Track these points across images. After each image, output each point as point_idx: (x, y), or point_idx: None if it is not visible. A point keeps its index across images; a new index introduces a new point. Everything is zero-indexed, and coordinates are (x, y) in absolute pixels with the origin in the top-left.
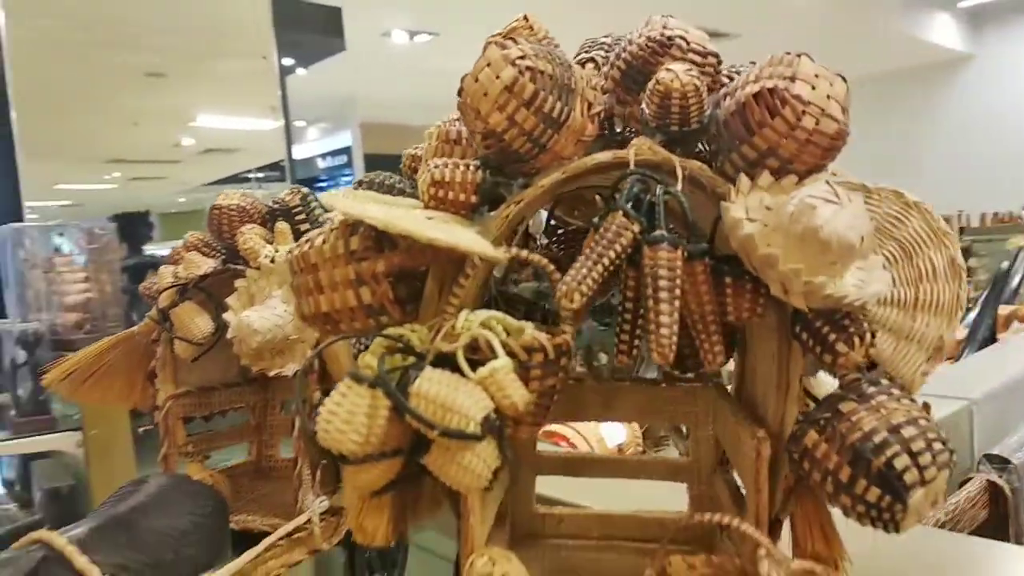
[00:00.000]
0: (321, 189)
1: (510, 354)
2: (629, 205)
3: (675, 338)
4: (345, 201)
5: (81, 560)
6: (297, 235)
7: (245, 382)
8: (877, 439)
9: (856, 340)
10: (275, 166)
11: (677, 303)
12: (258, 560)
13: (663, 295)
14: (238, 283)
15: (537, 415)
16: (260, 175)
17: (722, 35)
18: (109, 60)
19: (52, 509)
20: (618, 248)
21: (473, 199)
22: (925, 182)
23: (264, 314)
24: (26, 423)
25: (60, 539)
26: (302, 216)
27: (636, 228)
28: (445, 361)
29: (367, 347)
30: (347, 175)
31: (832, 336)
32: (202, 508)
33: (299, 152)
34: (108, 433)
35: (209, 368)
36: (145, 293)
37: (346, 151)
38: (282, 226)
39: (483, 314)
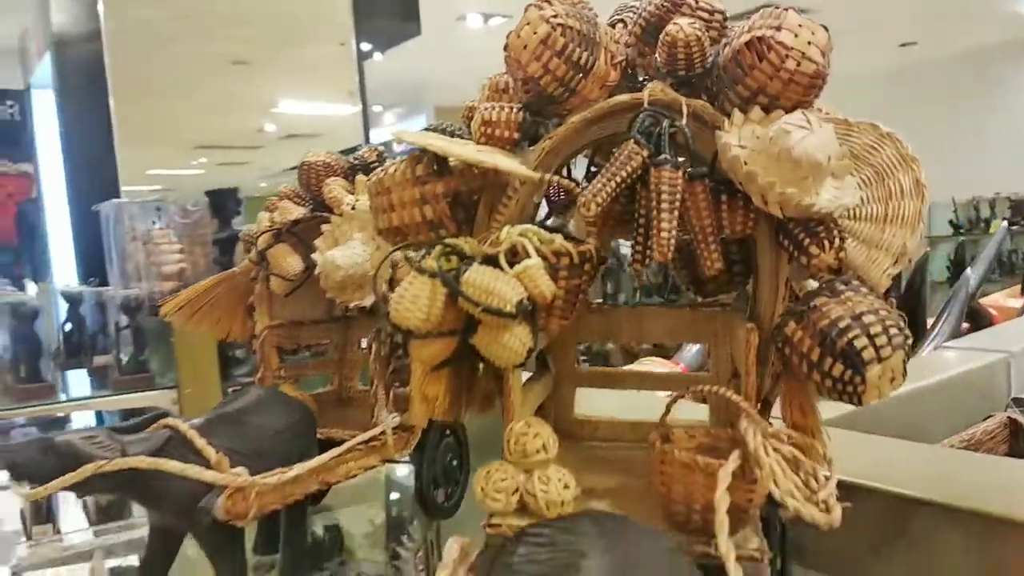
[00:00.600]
0: None
1: (542, 257)
2: (641, 136)
3: (673, 241)
4: (413, 134)
5: (201, 441)
6: None
7: (330, 320)
8: (842, 324)
9: (826, 243)
10: (353, 151)
11: (676, 213)
12: (339, 459)
13: (664, 206)
14: (324, 228)
15: (564, 310)
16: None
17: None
18: (197, 49)
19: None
20: (629, 169)
21: (515, 135)
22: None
23: (346, 252)
24: (127, 381)
25: (183, 424)
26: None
27: (645, 153)
28: (490, 263)
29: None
30: None
31: (807, 241)
32: (294, 414)
33: (376, 137)
34: (200, 391)
35: (299, 305)
36: (245, 238)
37: None
38: (362, 178)
39: (522, 227)
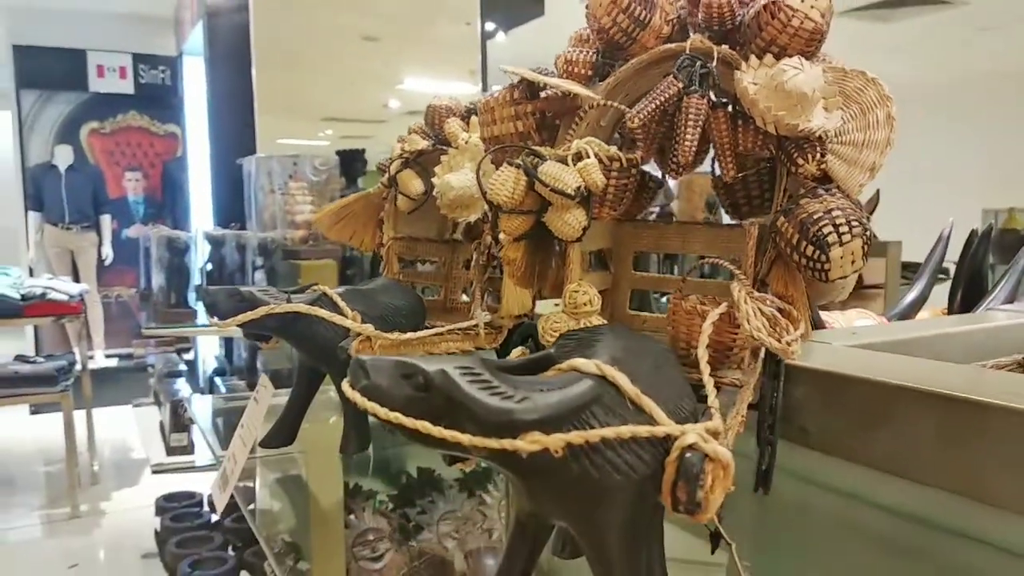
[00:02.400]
0: None
1: (599, 160)
2: (679, 73)
3: (693, 148)
4: (515, 68)
5: (342, 303)
6: None
7: (440, 241)
8: (815, 216)
9: (810, 156)
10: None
11: (699, 131)
12: (441, 337)
13: (690, 124)
14: (442, 158)
15: (614, 203)
16: None
17: (945, 3)
18: (335, 24)
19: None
20: (665, 96)
21: (589, 72)
22: None
23: (459, 177)
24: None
25: (330, 290)
26: None
27: (680, 84)
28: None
29: None
30: None
31: (795, 154)
32: (410, 298)
33: None
34: None
35: (417, 224)
36: (380, 165)
37: None
38: (475, 119)
39: (587, 138)
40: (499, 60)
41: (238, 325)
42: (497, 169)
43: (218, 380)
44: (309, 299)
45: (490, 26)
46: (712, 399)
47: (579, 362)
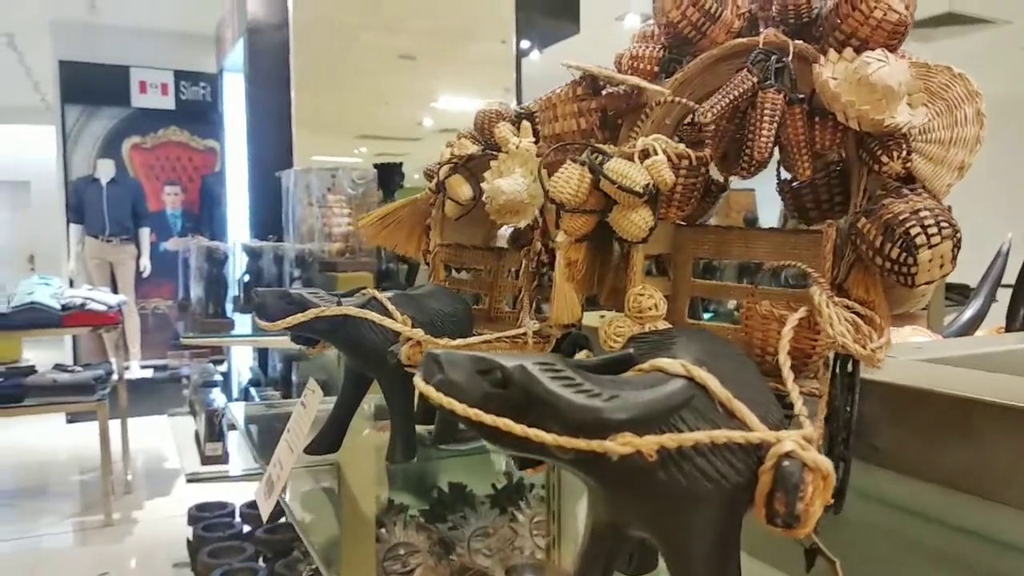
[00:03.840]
0: None
1: (667, 157)
2: (753, 67)
3: (770, 147)
4: (577, 62)
5: (392, 307)
6: (535, 133)
7: (486, 248)
8: (901, 217)
9: (895, 154)
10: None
11: (775, 127)
12: (489, 345)
13: (766, 119)
14: (492, 163)
15: (681, 203)
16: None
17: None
18: (372, 42)
19: None
20: (739, 91)
21: (655, 69)
22: None
23: (509, 182)
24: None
25: (380, 294)
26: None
27: (754, 79)
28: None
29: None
30: None
31: (879, 151)
32: (457, 305)
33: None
34: None
35: (464, 231)
36: (427, 171)
37: None
38: (526, 124)
39: (654, 135)
40: (533, 78)
41: (287, 328)
42: (558, 167)
43: (252, 391)
44: (359, 302)
45: (525, 44)
46: (799, 406)
47: (663, 362)
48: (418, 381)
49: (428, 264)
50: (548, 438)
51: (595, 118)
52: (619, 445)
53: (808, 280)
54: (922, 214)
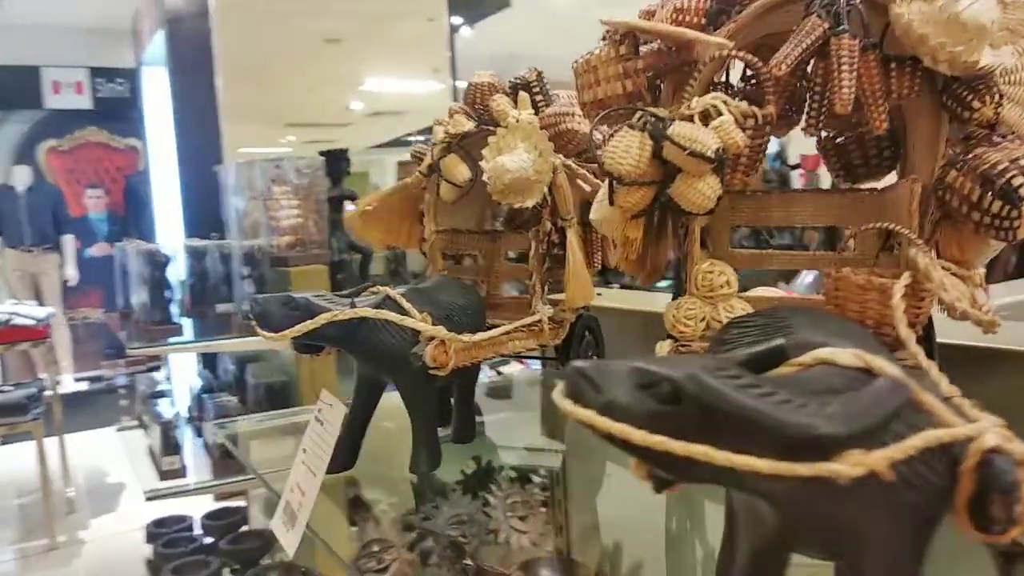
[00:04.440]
0: None
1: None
2: (823, 12)
3: (852, 95)
4: (618, 19)
5: (407, 304)
6: (534, 104)
7: (481, 233)
8: (1000, 167)
9: (987, 98)
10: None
11: (855, 74)
12: (509, 336)
13: (845, 67)
14: (490, 139)
15: (748, 166)
16: (420, 138)
17: None
18: (296, 28)
19: (267, 400)
20: (812, 38)
21: (702, 21)
22: None
23: (514, 158)
24: (249, 326)
25: (392, 291)
26: (537, 90)
27: (825, 25)
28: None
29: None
30: None
31: (970, 97)
32: (471, 296)
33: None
34: None
35: (459, 216)
36: (414, 154)
37: None
38: (524, 95)
39: (712, 94)
40: (466, 55)
41: (295, 337)
42: (557, 176)
43: (206, 398)
44: (374, 302)
45: (456, 20)
46: (946, 387)
47: (828, 353)
48: (568, 406)
49: (424, 253)
50: (762, 466)
51: (642, 79)
52: (850, 467)
53: (891, 243)
54: (1022, 162)
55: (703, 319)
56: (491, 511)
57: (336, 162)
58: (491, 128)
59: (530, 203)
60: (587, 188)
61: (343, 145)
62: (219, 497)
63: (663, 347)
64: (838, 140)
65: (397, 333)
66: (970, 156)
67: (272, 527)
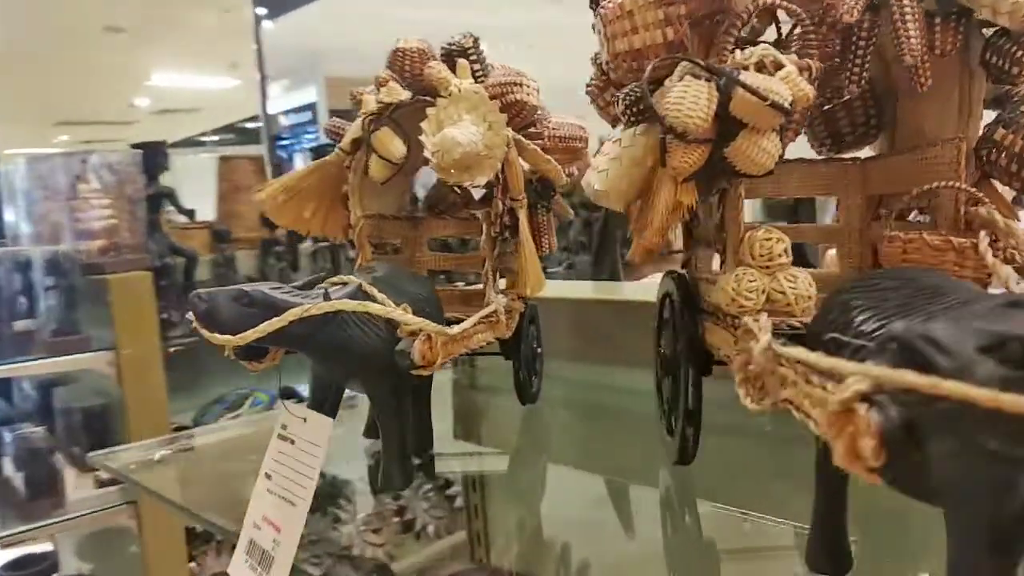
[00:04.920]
0: (283, 148)
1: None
2: None
3: (920, 45)
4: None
5: (381, 295)
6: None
7: (403, 218)
8: None
9: None
10: (230, 128)
11: (919, 23)
12: (474, 329)
13: (909, 16)
14: (428, 111)
15: (799, 123)
16: (215, 138)
17: None
18: (71, 14)
19: (84, 429)
20: None
21: None
22: None
23: (464, 131)
24: (59, 344)
25: (358, 279)
26: (474, 57)
27: None
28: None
29: None
30: (311, 133)
31: (1020, 53)
32: (428, 285)
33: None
34: (140, 352)
35: (382, 199)
36: (331, 128)
37: (311, 107)
38: (463, 62)
39: (761, 46)
40: (269, 48)
41: (258, 338)
42: (510, 152)
43: (4, 431)
44: (349, 293)
45: (262, 11)
46: None
47: None
48: (910, 376)
49: (351, 243)
50: None
51: (684, 28)
52: None
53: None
54: None
55: (763, 291)
56: (342, 527)
57: (153, 156)
58: (427, 99)
59: (481, 181)
60: (526, 166)
61: (125, 146)
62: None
63: (754, 324)
64: (825, 108)
65: (371, 329)
66: (1020, 114)
67: (232, 572)
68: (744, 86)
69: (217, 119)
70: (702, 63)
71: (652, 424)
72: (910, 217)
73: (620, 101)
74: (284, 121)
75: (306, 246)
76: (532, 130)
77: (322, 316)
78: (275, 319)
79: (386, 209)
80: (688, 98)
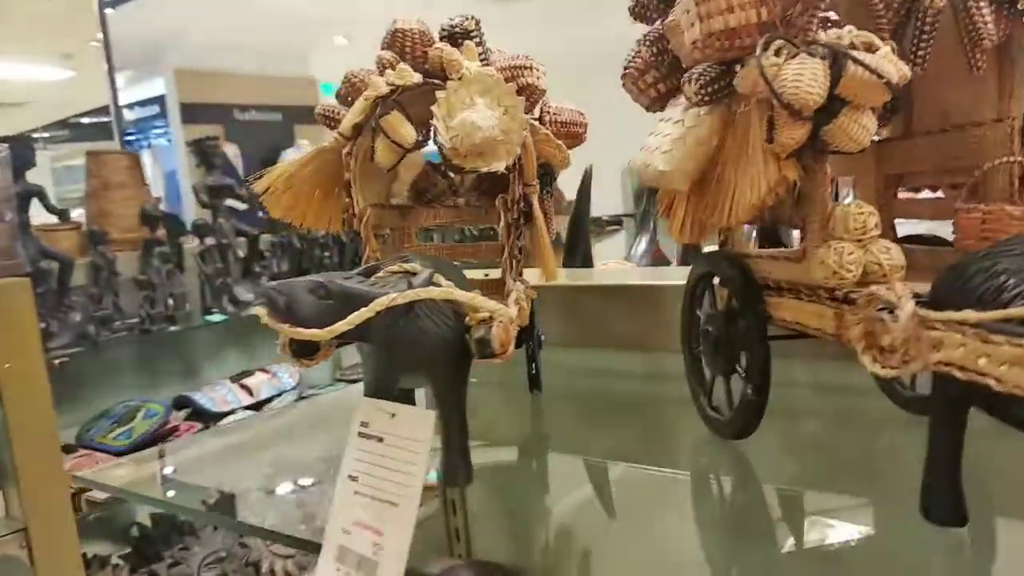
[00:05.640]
0: (130, 144)
1: None
2: None
3: (995, 30)
4: None
5: (447, 281)
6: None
7: (391, 207)
8: None
9: None
10: (63, 123)
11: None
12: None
13: (983, 3)
14: (438, 94)
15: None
16: (46, 134)
17: None
18: None
19: None
20: None
21: None
22: None
23: (483, 115)
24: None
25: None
26: (477, 40)
27: None
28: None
29: None
30: (159, 127)
31: None
32: (459, 273)
33: (99, 101)
34: (22, 365)
35: (376, 188)
36: (325, 111)
37: (159, 100)
38: (470, 44)
39: (847, 27)
40: (115, 36)
41: (338, 333)
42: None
43: None
44: (425, 281)
45: None
46: None
47: None
48: None
49: (359, 233)
50: None
51: (777, 8)
52: None
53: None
54: None
55: (861, 264)
56: (248, 540)
57: (21, 152)
58: (436, 82)
59: (497, 167)
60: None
61: None
62: None
63: (889, 293)
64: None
65: (441, 318)
66: None
67: None
68: (862, 63)
69: (49, 114)
70: (821, 41)
71: (663, 406)
72: (921, 193)
73: (694, 80)
74: (129, 115)
75: (191, 246)
76: (533, 114)
77: (404, 305)
78: (364, 310)
79: (376, 198)
80: (807, 75)
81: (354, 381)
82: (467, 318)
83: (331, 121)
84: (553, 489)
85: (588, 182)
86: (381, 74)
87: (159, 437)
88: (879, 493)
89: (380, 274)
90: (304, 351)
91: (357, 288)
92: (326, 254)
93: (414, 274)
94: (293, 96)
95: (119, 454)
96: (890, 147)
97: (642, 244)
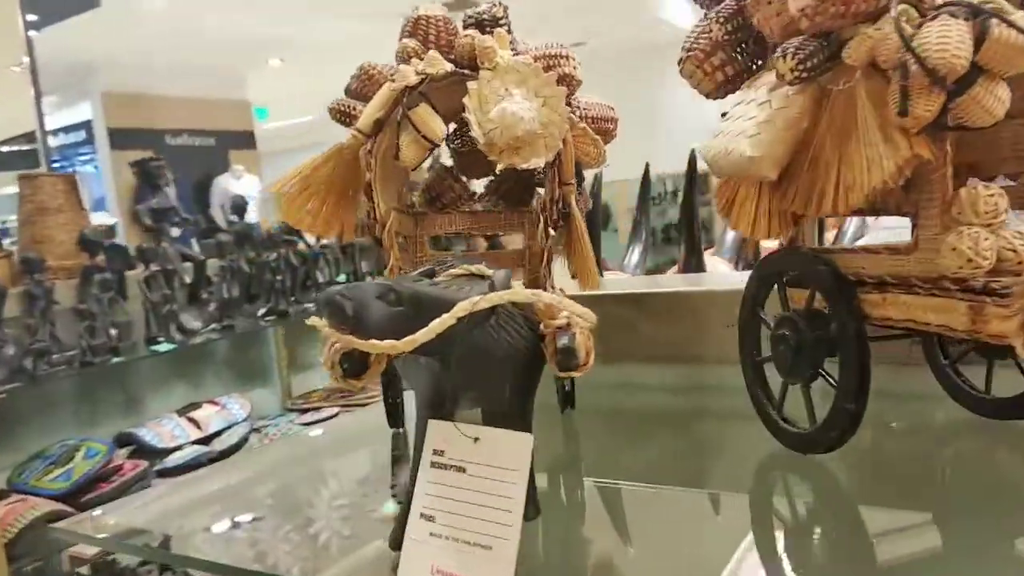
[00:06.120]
0: (56, 170)
1: None
2: None
3: None
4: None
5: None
6: None
7: (406, 213)
8: None
9: None
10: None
11: None
12: None
13: None
14: (470, 85)
15: None
16: None
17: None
18: None
19: None
20: None
21: None
22: None
23: (523, 106)
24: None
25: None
26: (506, 28)
27: None
28: None
29: None
30: (85, 154)
31: None
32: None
33: (24, 127)
34: None
35: (392, 192)
36: (340, 106)
37: (85, 126)
38: (501, 32)
39: None
40: (39, 60)
41: (417, 343)
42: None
43: None
44: (504, 282)
45: (32, 17)
46: None
47: None
48: None
49: (378, 241)
50: None
51: None
52: None
53: None
54: None
55: (995, 250)
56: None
57: None
58: (466, 72)
59: (537, 163)
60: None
61: None
62: None
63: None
64: None
65: (512, 327)
66: None
67: None
68: (1013, 24)
69: None
70: (966, 2)
71: (709, 420)
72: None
73: (790, 56)
74: (53, 141)
75: (135, 272)
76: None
77: (486, 311)
78: (446, 316)
79: (392, 201)
80: (954, 39)
81: (306, 410)
82: (541, 325)
83: (347, 117)
84: (609, 518)
85: (598, 188)
86: (406, 63)
87: (101, 478)
88: (982, 505)
89: (440, 278)
90: (356, 369)
91: (431, 291)
92: (277, 278)
93: (482, 276)
94: (227, 120)
95: (56, 498)
96: (960, 136)
97: (635, 254)
